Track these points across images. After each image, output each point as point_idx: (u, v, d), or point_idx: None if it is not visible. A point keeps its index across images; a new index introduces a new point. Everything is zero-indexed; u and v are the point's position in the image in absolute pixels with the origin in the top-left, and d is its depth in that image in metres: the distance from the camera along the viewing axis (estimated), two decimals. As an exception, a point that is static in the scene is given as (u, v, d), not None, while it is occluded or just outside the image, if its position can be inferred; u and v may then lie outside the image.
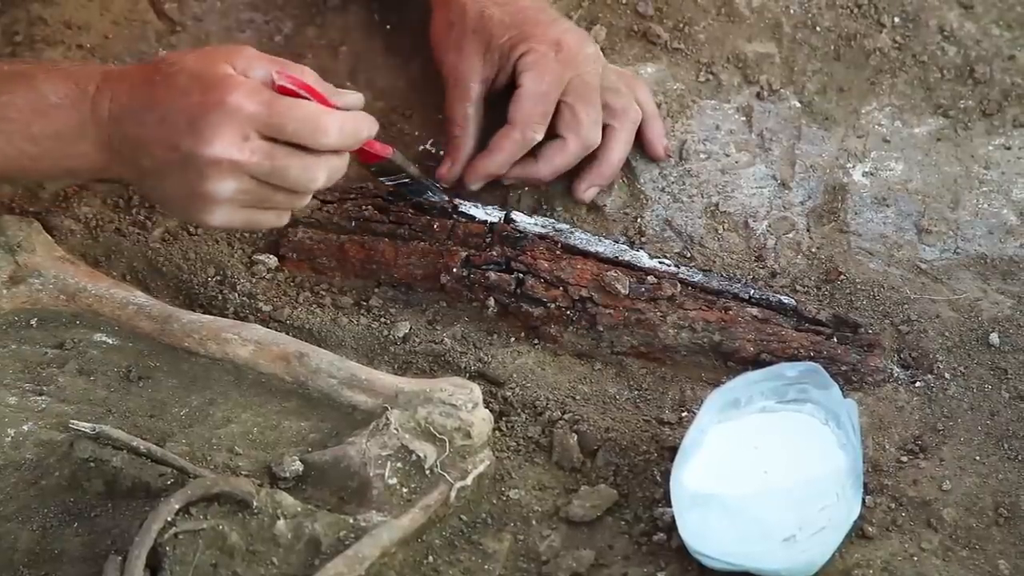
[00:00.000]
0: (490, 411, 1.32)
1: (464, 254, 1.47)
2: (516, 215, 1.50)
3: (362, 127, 1.33)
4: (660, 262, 1.47)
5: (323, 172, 1.31)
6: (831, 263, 1.50)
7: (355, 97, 1.36)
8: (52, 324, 1.42)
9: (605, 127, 1.51)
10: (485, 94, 1.52)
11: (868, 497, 1.31)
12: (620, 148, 1.52)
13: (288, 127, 1.27)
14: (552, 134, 1.49)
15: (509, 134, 1.48)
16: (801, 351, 1.40)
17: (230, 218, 1.31)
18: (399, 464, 1.26)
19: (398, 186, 1.48)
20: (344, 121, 1.30)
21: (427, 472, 1.27)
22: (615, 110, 1.51)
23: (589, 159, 1.52)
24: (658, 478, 1.33)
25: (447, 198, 1.50)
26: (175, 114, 1.27)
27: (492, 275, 1.45)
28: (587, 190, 1.53)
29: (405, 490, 1.26)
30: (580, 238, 1.48)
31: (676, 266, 1.47)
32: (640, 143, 1.56)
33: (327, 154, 1.30)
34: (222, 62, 1.29)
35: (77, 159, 1.32)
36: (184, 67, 1.29)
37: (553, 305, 1.44)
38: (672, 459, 1.29)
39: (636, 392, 1.42)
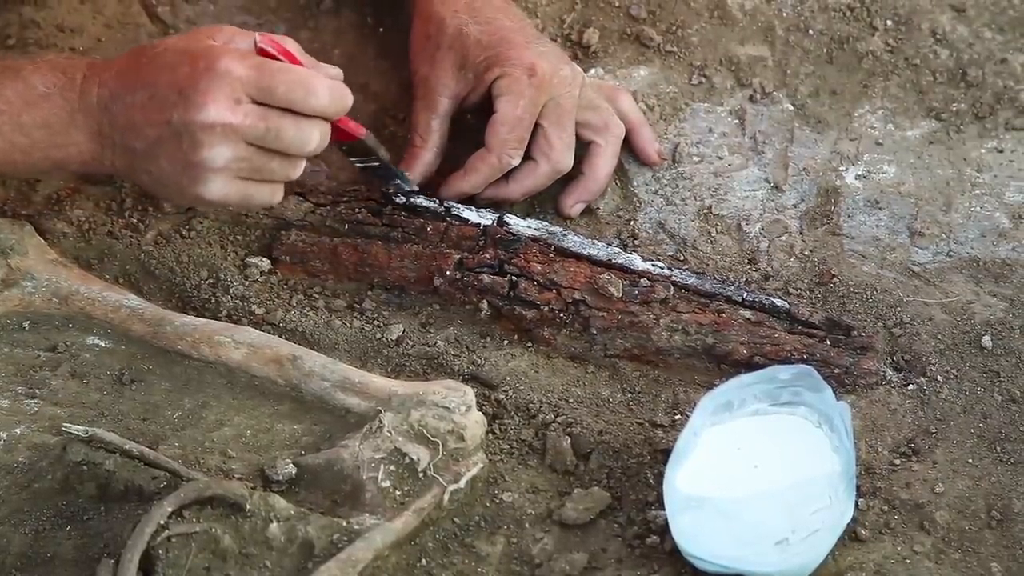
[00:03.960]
0: (483, 414, 1.32)
1: (457, 257, 1.47)
2: (509, 218, 1.50)
3: (346, 95, 1.34)
4: (653, 265, 1.47)
5: (316, 134, 1.32)
6: (824, 266, 1.50)
7: (336, 70, 1.37)
8: (45, 327, 1.42)
9: (589, 144, 1.53)
10: (453, 110, 1.52)
11: (861, 500, 1.31)
12: (606, 164, 1.53)
13: (279, 89, 1.29)
14: (524, 156, 1.50)
15: (486, 158, 1.49)
16: (794, 354, 1.40)
17: (225, 190, 1.31)
18: (392, 467, 1.26)
19: (366, 169, 1.47)
20: (332, 86, 1.32)
21: (420, 475, 1.27)
22: (596, 127, 1.52)
23: (576, 175, 1.53)
24: (651, 481, 1.33)
25: (415, 188, 1.50)
26: (164, 89, 1.29)
27: (485, 278, 1.46)
28: (574, 206, 1.54)
29: (398, 493, 1.26)
30: (573, 241, 1.49)
31: (669, 269, 1.47)
32: (633, 152, 1.57)
33: (316, 118, 1.31)
34: (205, 37, 1.31)
35: (68, 149, 1.33)
36: (168, 46, 1.31)
37: (546, 308, 1.44)
38: (665, 462, 1.29)
39: (629, 395, 1.42)
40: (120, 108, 1.31)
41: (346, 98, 1.33)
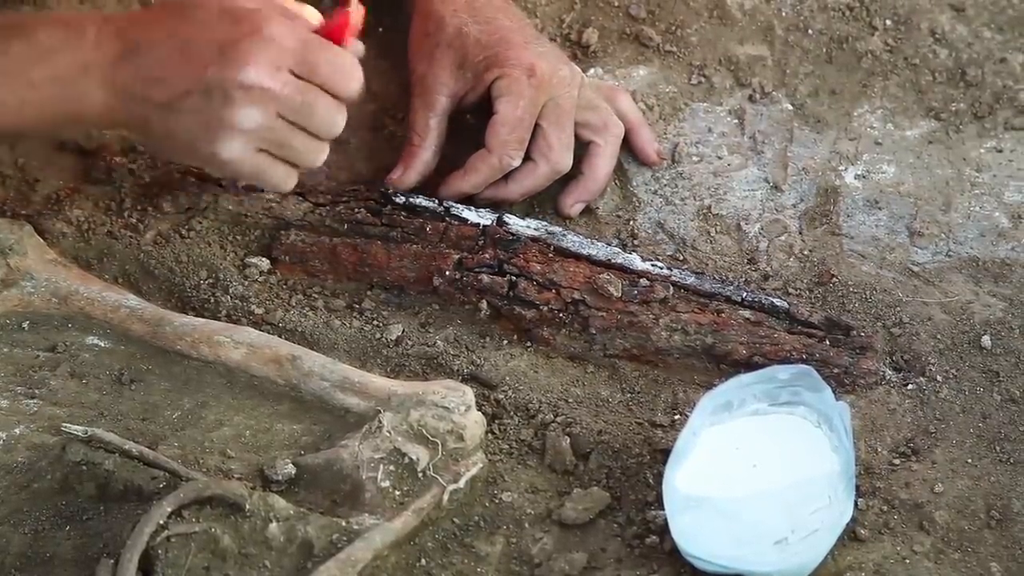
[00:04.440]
0: (483, 414, 1.32)
1: (457, 257, 1.47)
2: (509, 218, 1.50)
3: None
4: (653, 265, 1.47)
5: (343, 119, 1.32)
6: (823, 266, 1.50)
7: (361, 46, 1.36)
8: (44, 327, 1.42)
9: (588, 144, 1.53)
10: (452, 109, 1.52)
11: (860, 500, 1.31)
12: (605, 164, 1.53)
13: (322, 68, 1.29)
14: (524, 156, 1.50)
15: (486, 158, 1.49)
16: (793, 354, 1.40)
17: (242, 155, 1.30)
18: (392, 467, 1.26)
19: None
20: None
21: (420, 475, 1.27)
22: (596, 127, 1.52)
23: (575, 175, 1.53)
24: (651, 481, 1.33)
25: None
26: (201, 44, 1.28)
27: (485, 278, 1.45)
28: (573, 206, 1.54)
29: (398, 493, 1.26)
30: (573, 241, 1.49)
31: (669, 269, 1.47)
32: (632, 152, 1.57)
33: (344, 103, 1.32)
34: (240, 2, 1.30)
35: (81, 101, 1.31)
36: (201, 3, 1.30)
37: (546, 308, 1.44)
38: (665, 462, 1.29)
39: (629, 395, 1.42)
40: (146, 60, 1.29)
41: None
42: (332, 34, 1.32)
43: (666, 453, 1.30)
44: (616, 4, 1.67)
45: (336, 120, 1.31)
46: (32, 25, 1.33)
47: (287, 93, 1.28)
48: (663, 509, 1.27)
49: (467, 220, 1.50)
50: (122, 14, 1.34)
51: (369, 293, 1.49)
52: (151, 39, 1.30)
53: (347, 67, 1.30)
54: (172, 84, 1.29)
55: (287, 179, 1.35)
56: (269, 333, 1.41)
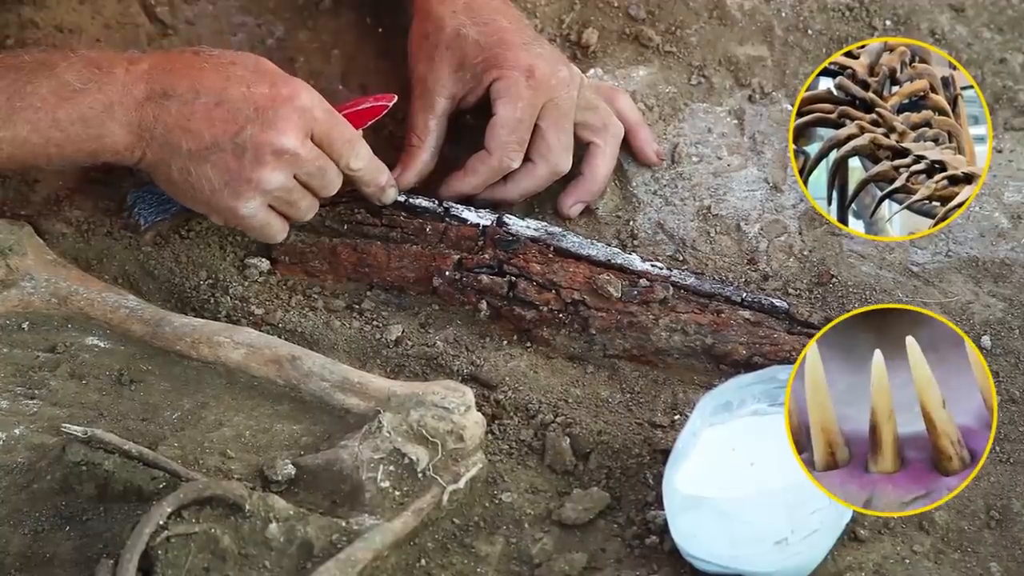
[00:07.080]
0: (482, 414, 1.32)
1: (456, 257, 1.47)
2: (508, 218, 1.50)
3: (380, 174, 1.48)
4: (652, 265, 1.47)
5: (340, 183, 1.43)
6: (823, 266, 1.51)
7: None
8: (44, 327, 1.42)
9: (588, 144, 1.53)
10: (451, 110, 1.52)
11: (860, 500, 1.31)
12: (605, 164, 1.53)
13: (337, 141, 1.40)
14: (523, 157, 1.50)
15: (486, 160, 1.49)
16: (793, 354, 1.40)
17: (257, 212, 1.40)
18: (391, 467, 1.26)
19: None
20: (371, 156, 1.44)
21: (419, 475, 1.27)
22: (595, 127, 1.52)
23: (575, 176, 1.53)
24: (650, 481, 1.33)
25: None
26: (237, 101, 1.35)
27: (484, 278, 1.46)
28: (573, 206, 1.54)
29: (397, 493, 1.26)
30: (572, 241, 1.49)
31: (668, 269, 1.47)
32: (631, 153, 1.57)
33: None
34: (268, 63, 1.39)
35: (103, 140, 1.36)
36: (235, 60, 1.38)
37: (545, 308, 1.44)
38: (664, 462, 1.29)
39: (628, 395, 1.42)
40: (176, 106, 1.35)
41: (379, 174, 1.46)
42: (354, 115, 1.44)
43: (666, 453, 1.30)
44: (616, 4, 1.67)
45: (337, 185, 1.42)
46: (60, 64, 1.36)
47: (311, 159, 1.38)
48: (663, 509, 1.27)
49: (467, 220, 1.50)
50: (148, 56, 1.37)
51: (369, 294, 1.49)
52: (183, 87, 1.35)
53: (357, 147, 1.42)
54: (201, 134, 1.35)
55: (283, 232, 1.44)
56: (269, 334, 1.41)
